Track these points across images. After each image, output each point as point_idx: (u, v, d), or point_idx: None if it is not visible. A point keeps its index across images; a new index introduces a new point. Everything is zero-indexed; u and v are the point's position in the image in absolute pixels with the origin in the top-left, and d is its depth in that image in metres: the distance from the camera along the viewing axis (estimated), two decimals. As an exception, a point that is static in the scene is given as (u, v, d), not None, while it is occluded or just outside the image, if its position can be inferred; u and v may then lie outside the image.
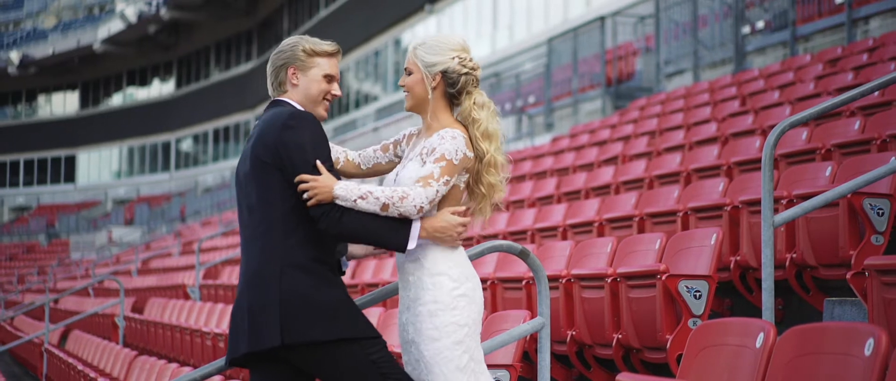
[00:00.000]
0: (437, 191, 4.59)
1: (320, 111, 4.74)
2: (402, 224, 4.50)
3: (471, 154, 4.71)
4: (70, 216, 58.21)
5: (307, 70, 4.71)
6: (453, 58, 4.77)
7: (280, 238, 4.52)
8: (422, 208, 4.55)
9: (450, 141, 4.65)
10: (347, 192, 4.47)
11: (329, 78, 4.73)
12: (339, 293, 4.55)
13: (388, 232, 4.49)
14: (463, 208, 4.66)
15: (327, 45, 4.76)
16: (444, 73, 4.76)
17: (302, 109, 4.68)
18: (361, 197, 4.48)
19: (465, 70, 4.78)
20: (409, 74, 4.81)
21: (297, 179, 4.45)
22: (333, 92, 4.76)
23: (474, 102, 4.80)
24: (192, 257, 22.37)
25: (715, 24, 18.55)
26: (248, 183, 4.62)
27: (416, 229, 4.51)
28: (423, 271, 4.69)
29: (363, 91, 43.71)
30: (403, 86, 4.84)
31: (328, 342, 4.48)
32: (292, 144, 4.50)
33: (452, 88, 4.79)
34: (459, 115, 4.81)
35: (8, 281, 45.50)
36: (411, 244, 4.49)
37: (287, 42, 4.78)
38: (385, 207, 4.49)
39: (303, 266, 4.50)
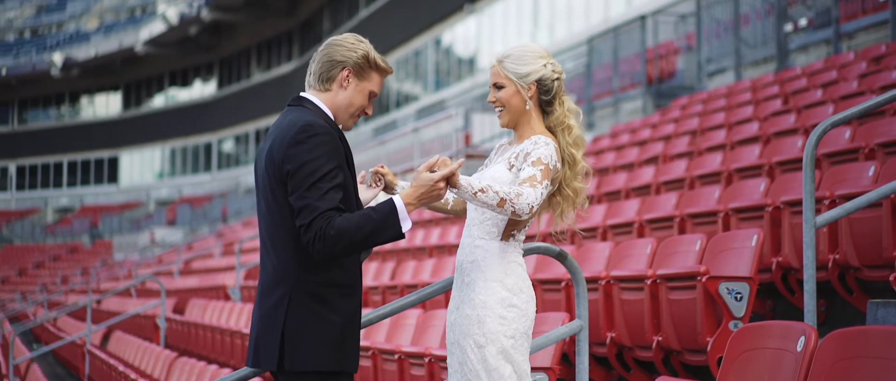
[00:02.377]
0: (543, 193, 4.54)
1: (350, 123, 4.57)
2: (387, 215, 4.26)
3: (560, 165, 4.67)
4: (113, 217, 58.52)
5: (361, 80, 4.51)
6: (545, 65, 4.73)
7: (293, 258, 4.35)
8: (533, 207, 4.48)
9: (543, 147, 4.61)
10: (469, 183, 4.40)
11: (372, 95, 4.56)
12: (344, 322, 4.38)
13: (379, 230, 4.25)
14: (434, 159, 4.46)
15: (385, 64, 4.55)
16: (539, 81, 4.71)
17: (327, 112, 4.49)
18: (482, 190, 4.41)
19: (555, 76, 4.74)
20: (500, 88, 4.73)
21: (435, 180, 4.32)
22: (368, 110, 4.58)
23: (568, 109, 4.76)
24: (233, 257, 22.42)
25: (757, 21, 18.40)
26: (263, 188, 4.45)
27: (401, 208, 4.28)
28: (479, 273, 4.65)
29: (403, 91, 43.72)
30: (495, 102, 4.75)
31: (320, 373, 4.37)
32: (297, 163, 4.27)
33: (547, 96, 4.74)
34: (551, 122, 4.76)
35: (52, 282, 45.80)
36: (406, 225, 4.28)
37: (348, 39, 4.53)
38: (502, 202, 4.42)
39: (314, 293, 4.34)
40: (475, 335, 4.60)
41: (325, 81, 4.52)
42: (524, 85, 4.70)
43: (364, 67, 4.50)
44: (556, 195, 4.76)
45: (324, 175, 4.24)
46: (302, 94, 4.58)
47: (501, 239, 4.66)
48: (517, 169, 4.64)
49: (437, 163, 4.41)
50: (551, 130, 4.76)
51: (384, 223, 4.25)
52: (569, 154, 4.71)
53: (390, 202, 4.28)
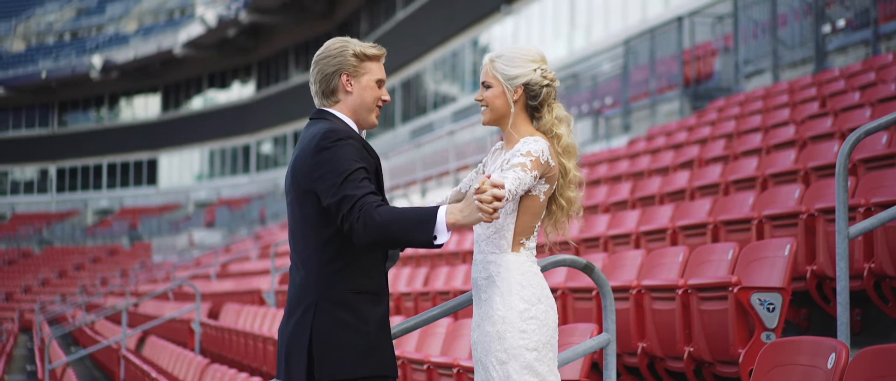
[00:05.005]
0: (523, 182, 4.42)
1: (372, 119, 4.55)
2: (425, 219, 4.14)
3: (553, 163, 4.58)
4: (152, 219, 58.78)
5: (360, 76, 4.50)
6: (535, 69, 4.66)
7: (319, 268, 4.35)
8: (511, 192, 4.32)
9: (533, 143, 4.55)
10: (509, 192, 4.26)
11: (380, 82, 4.54)
12: (372, 327, 4.36)
13: (412, 230, 4.14)
14: (485, 177, 4.17)
15: (375, 49, 4.54)
16: (526, 85, 4.66)
17: (347, 121, 4.48)
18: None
19: (545, 82, 4.68)
20: (488, 87, 4.68)
21: (478, 197, 4.06)
22: (384, 98, 4.55)
23: (556, 117, 4.68)
24: (269, 261, 22.42)
25: (795, 22, 18.22)
26: (290, 203, 4.46)
27: (441, 219, 4.13)
28: (495, 289, 4.57)
29: (440, 92, 43.67)
30: (481, 100, 4.71)
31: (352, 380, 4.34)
32: (326, 168, 4.27)
33: (534, 101, 4.68)
34: (540, 128, 4.70)
35: (91, 284, 46.05)
36: (441, 237, 4.14)
37: (333, 46, 4.53)
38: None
39: (340, 300, 4.33)
40: (497, 352, 4.53)
41: (330, 95, 4.53)
42: (511, 87, 4.64)
43: (357, 65, 4.50)
44: (551, 204, 4.69)
45: (354, 171, 4.25)
46: (320, 107, 4.56)
47: (513, 250, 4.59)
48: None
49: (484, 186, 4.14)
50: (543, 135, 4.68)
51: (420, 225, 4.15)
52: (559, 163, 4.64)
53: (434, 209, 4.18)
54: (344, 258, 4.34)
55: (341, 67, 4.49)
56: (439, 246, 4.17)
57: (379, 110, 4.58)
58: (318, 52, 4.55)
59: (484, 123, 4.77)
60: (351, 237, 4.22)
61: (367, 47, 4.53)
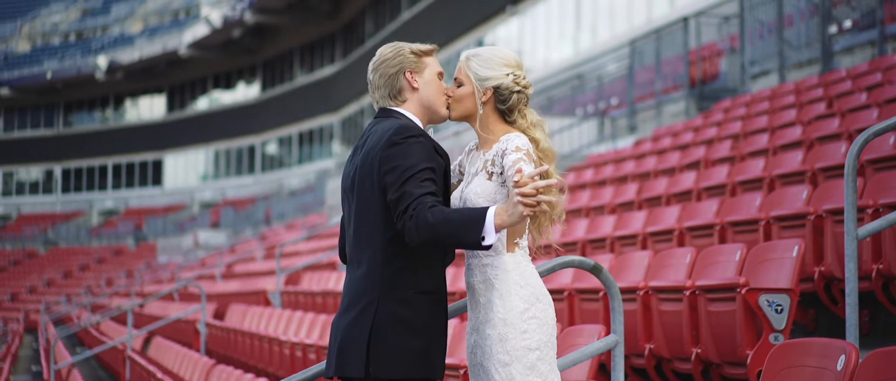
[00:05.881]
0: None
1: (444, 112, 4.61)
2: (474, 220, 4.16)
3: (535, 159, 4.56)
4: (157, 220, 58.81)
5: (422, 71, 4.57)
6: (507, 74, 4.63)
7: (383, 264, 4.37)
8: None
9: (516, 138, 4.53)
10: None
11: (440, 75, 4.61)
12: (431, 330, 4.41)
13: (460, 231, 4.15)
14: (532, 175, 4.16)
15: (427, 46, 4.62)
16: (497, 88, 4.63)
17: (414, 119, 4.54)
18: None
19: (517, 88, 4.64)
20: (460, 85, 4.66)
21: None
22: (447, 92, 4.62)
23: (531, 123, 4.66)
24: (274, 262, 22.41)
25: (801, 23, 18.20)
26: (353, 200, 4.49)
27: (489, 220, 4.15)
28: (494, 292, 4.53)
29: (445, 93, 43.66)
30: (451, 96, 4.68)
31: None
32: (394, 163, 4.31)
33: (502, 105, 4.65)
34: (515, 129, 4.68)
35: (96, 284, 46.06)
36: (489, 239, 4.15)
37: (386, 51, 4.60)
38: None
39: (402, 298, 4.36)
40: (499, 355, 4.49)
41: (397, 94, 4.59)
42: (480, 88, 4.62)
43: (416, 61, 4.57)
44: None
45: (419, 170, 4.29)
46: (386, 107, 4.61)
47: (508, 251, 4.55)
48: (498, 173, 4.53)
49: (523, 180, 4.15)
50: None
51: (469, 227, 4.17)
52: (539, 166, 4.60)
53: (484, 210, 4.19)
54: (408, 256, 4.38)
55: (402, 65, 4.55)
56: (487, 248, 4.18)
57: (447, 103, 4.63)
58: (373, 62, 4.61)
59: (451, 118, 4.73)
60: (404, 236, 4.25)
61: (420, 46, 4.61)
